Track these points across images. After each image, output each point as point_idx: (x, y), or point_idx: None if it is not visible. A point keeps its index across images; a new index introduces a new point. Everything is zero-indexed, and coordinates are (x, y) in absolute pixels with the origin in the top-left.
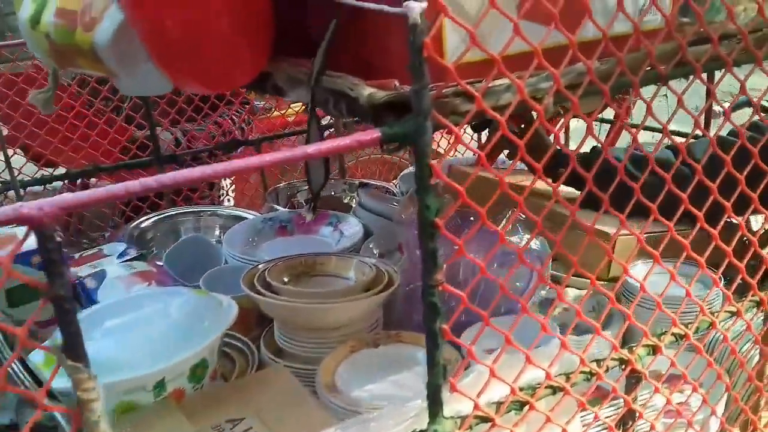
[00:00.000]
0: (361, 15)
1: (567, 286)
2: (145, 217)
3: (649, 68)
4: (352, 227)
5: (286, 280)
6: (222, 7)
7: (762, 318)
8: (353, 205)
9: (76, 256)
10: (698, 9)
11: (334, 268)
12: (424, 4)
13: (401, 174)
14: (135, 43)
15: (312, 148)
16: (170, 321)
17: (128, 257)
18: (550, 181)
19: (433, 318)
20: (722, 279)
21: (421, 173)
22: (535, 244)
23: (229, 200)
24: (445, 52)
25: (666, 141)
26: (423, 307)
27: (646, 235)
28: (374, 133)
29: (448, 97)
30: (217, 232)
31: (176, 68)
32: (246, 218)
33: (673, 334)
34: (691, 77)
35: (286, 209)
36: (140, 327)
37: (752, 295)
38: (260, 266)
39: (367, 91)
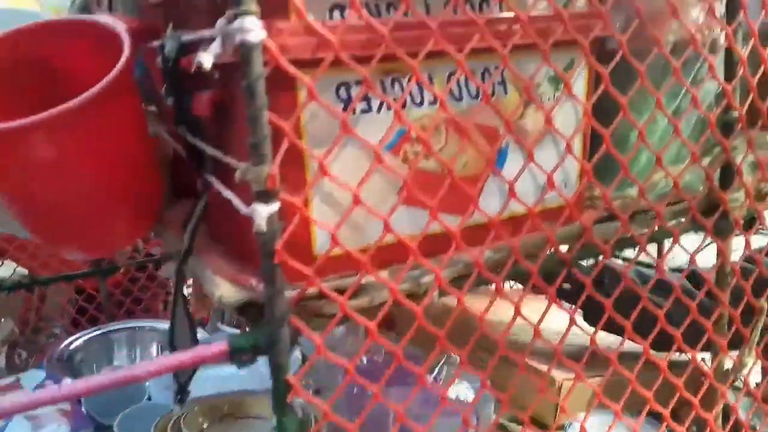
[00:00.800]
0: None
1: None
2: (75, 336)
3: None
4: (292, 355)
5: (204, 426)
6: (95, 180)
7: None
8: None
9: None
10: (604, 189)
11: (259, 409)
12: (275, 207)
13: None
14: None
15: (140, 369)
16: None
17: None
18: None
19: None
20: None
21: (277, 390)
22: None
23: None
24: (313, 243)
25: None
26: None
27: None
28: (220, 346)
29: (312, 298)
30: (154, 351)
31: (49, 238)
32: None
33: None
34: (601, 258)
35: (228, 329)
36: None
37: None
38: (175, 409)
39: (218, 291)
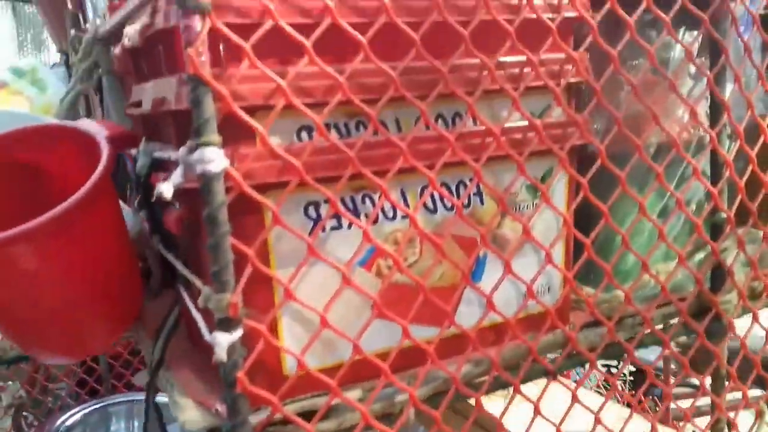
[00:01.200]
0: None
1: None
2: (73, 410)
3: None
4: None
5: None
6: (77, 287)
7: None
8: None
9: None
10: (588, 295)
11: None
12: (237, 335)
13: None
14: None
15: None
16: None
17: None
18: None
19: None
20: None
21: None
22: None
23: None
24: (283, 363)
25: None
26: None
27: None
28: None
29: (279, 423)
30: None
31: (29, 345)
32: None
33: None
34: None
35: None
36: None
37: None
38: None
39: (182, 416)
